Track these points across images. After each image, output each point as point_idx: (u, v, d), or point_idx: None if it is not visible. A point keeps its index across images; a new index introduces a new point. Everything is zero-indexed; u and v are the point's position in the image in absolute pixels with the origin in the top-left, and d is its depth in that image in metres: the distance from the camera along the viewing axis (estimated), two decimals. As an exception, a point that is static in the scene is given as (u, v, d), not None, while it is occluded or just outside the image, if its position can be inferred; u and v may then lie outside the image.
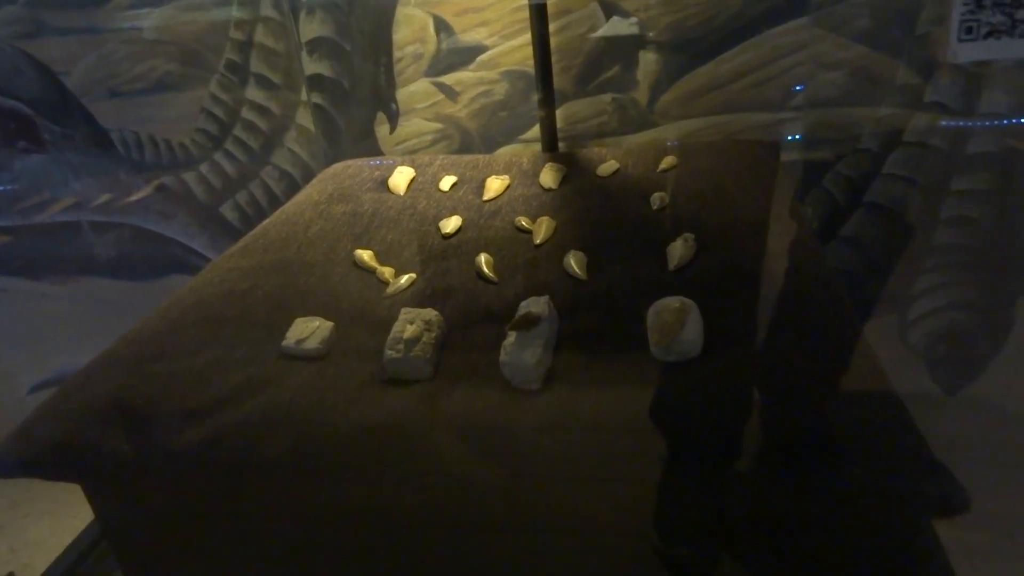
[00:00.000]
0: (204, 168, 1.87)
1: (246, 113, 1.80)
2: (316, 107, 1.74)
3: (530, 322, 0.86)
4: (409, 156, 1.55)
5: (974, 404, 1.72)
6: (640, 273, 0.99)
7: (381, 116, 1.72)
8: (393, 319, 0.96)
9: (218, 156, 1.86)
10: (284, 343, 0.93)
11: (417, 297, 1.02)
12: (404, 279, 1.07)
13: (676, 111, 1.60)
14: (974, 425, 1.69)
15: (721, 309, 0.89)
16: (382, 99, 1.71)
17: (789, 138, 1.59)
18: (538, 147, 1.61)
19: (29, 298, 2.08)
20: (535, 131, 1.64)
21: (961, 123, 1.50)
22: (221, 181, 1.88)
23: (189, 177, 1.88)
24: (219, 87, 1.79)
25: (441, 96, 1.68)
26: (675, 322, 0.81)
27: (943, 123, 1.50)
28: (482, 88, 1.66)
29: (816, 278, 0.93)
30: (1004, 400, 1.68)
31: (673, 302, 0.85)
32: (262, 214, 1.86)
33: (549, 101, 1.54)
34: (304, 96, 1.75)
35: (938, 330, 1.69)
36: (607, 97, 1.61)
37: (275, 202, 1.86)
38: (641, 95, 1.60)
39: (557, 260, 1.05)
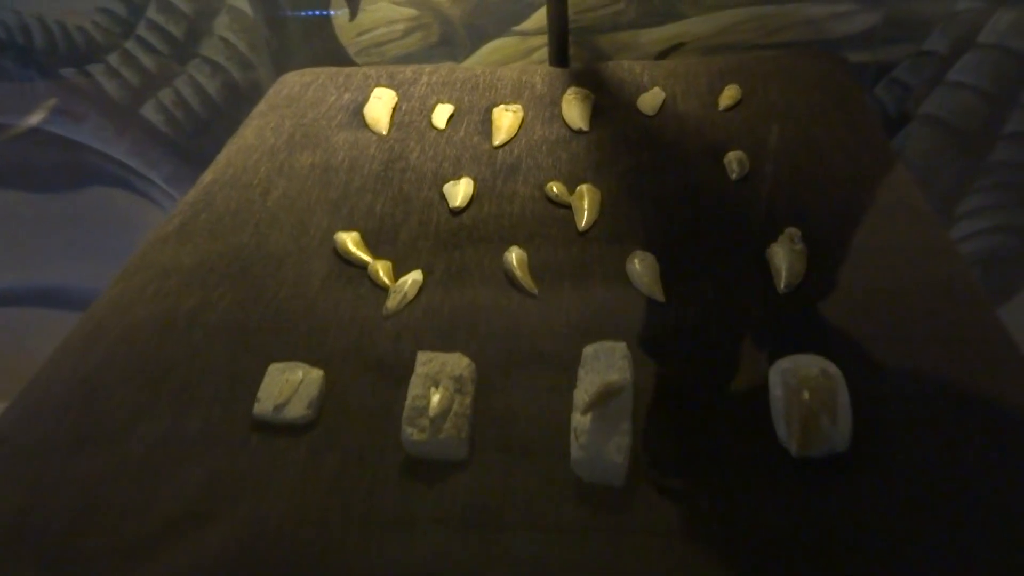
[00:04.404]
0: (114, 59, 1.50)
1: (161, -11, 1.42)
2: (254, -15, 1.37)
3: (610, 395, 0.62)
4: (385, 67, 1.23)
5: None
6: (739, 294, 0.73)
7: (338, -1, 1.37)
8: (401, 352, 0.72)
9: (130, 45, 1.51)
10: (257, 409, 0.67)
11: (431, 322, 0.75)
12: (408, 283, 0.80)
13: (707, -2, 1.30)
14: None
15: (864, 362, 0.65)
16: (338, -24, 1.35)
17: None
18: (536, 41, 1.34)
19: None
20: (534, 20, 1.37)
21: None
22: (138, 76, 1.54)
23: (96, 71, 1.51)
24: (123, -47, 1.39)
25: (415, -27, 1.33)
26: (821, 409, 0.58)
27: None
28: (467, -37, 1.32)
29: (969, 312, 0.70)
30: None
31: (811, 369, 0.61)
32: (193, 117, 1.56)
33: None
34: (237, -30, 1.37)
35: (976, 253, 1.54)
36: (624, -22, 1.31)
37: (208, 103, 1.54)
38: (666, -25, 1.30)
39: (615, 261, 0.79)
